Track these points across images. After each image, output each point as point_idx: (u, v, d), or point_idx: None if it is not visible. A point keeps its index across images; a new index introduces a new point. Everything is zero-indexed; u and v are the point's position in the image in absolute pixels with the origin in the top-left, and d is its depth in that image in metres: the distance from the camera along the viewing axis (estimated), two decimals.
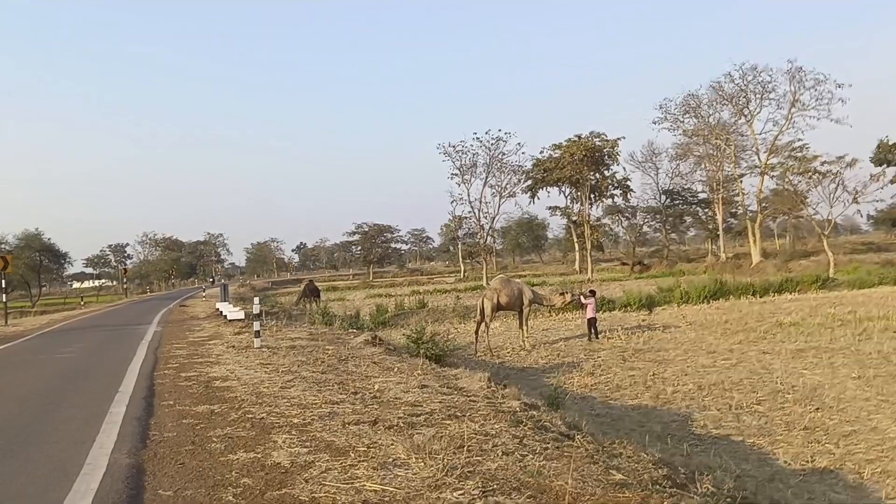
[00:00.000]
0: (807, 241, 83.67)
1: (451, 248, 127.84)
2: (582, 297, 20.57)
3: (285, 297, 53.26)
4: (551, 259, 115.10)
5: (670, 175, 65.66)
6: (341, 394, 7.32)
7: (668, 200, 65.95)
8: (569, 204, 67.52)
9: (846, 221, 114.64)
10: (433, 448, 4.94)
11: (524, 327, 19.10)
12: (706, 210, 66.25)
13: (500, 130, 66.97)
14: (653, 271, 61.13)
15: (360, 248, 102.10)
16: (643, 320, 24.37)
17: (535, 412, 6.54)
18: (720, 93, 52.18)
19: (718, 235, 60.93)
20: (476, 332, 18.78)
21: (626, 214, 71.04)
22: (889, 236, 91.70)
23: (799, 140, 46.80)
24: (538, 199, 64.66)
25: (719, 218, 59.27)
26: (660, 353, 16.91)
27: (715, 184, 58.16)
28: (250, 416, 6.29)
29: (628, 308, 27.46)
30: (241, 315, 17.90)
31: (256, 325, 11.74)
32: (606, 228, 70.39)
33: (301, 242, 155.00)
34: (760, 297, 28.97)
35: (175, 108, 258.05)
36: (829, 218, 36.79)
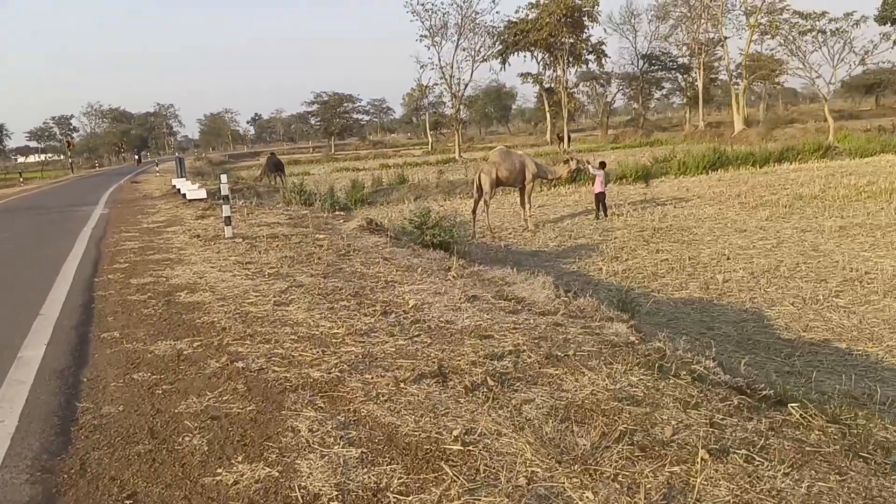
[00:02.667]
0: (776, 109, 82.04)
1: (414, 118, 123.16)
2: (591, 168, 18.37)
3: (245, 171, 49.88)
4: (518, 130, 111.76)
5: (649, 38, 62.21)
6: (366, 315, 5.11)
7: (647, 65, 62.72)
8: (541, 70, 63.91)
9: (806, 90, 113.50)
10: (577, 444, 2.83)
11: (527, 205, 16.95)
12: (685, 76, 63.37)
13: None
14: (627, 141, 59.06)
15: (319, 119, 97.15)
16: (645, 194, 22.48)
17: (658, 343, 4.45)
18: None
19: (698, 103, 58.46)
20: (474, 212, 16.57)
21: (601, 81, 67.86)
22: (855, 104, 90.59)
23: None
24: (509, 65, 60.81)
25: (700, 84, 56.62)
26: (683, 232, 15.03)
27: (697, 47, 55.07)
28: (241, 364, 4.06)
29: (624, 180, 25.44)
30: (203, 194, 15.33)
31: (226, 210, 9.32)
32: (582, 96, 67.24)
33: (256, 114, 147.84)
34: (761, 167, 27.21)
35: None
36: (832, 81, 34.64)
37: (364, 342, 4.41)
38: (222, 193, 9.38)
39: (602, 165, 18.54)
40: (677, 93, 70.43)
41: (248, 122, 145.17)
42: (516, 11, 56.89)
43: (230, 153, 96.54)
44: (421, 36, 53.03)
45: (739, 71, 51.21)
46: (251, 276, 6.79)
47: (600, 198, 17.77)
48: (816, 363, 7.13)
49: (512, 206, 20.68)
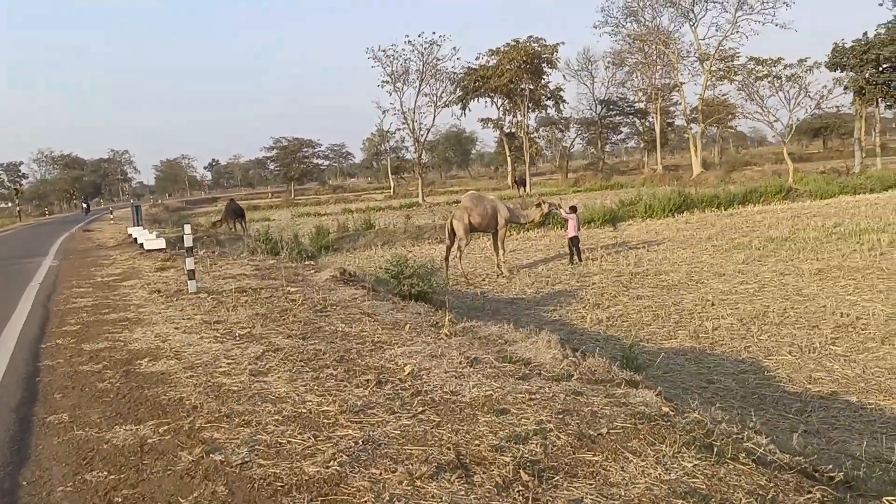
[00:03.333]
0: (729, 152, 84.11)
1: (374, 163, 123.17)
2: (562, 212, 18.06)
3: (203, 217, 48.83)
4: (478, 174, 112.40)
5: (606, 84, 63.43)
6: (358, 385, 4.49)
7: (604, 110, 63.80)
8: (501, 115, 64.52)
9: (754, 133, 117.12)
10: None
11: (500, 250, 16.50)
12: (643, 120, 64.59)
13: (433, 33, 62.56)
14: (588, 184, 59.62)
15: (278, 164, 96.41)
16: (615, 237, 22.29)
17: (695, 415, 3.92)
18: None
19: (655, 147, 59.47)
20: (446, 258, 16.06)
21: (560, 126, 68.83)
22: (803, 147, 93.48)
23: (739, 46, 45.09)
24: (470, 110, 61.31)
25: (657, 128, 57.68)
26: (661, 276, 14.71)
27: (654, 92, 56.24)
28: (219, 456, 3.40)
29: (592, 224, 25.24)
30: (162, 243, 14.50)
31: (190, 262, 8.61)
32: (541, 140, 67.91)
33: (213, 159, 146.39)
34: (725, 209, 27.40)
35: (67, 17, 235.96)
36: (790, 124, 35.33)
37: (361, 423, 3.79)
38: (186, 244, 8.67)
39: (574, 209, 18.27)
40: (635, 137, 71.71)
41: (205, 168, 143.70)
42: (477, 58, 57.58)
43: (187, 199, 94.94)
44: (383, 81, 53.18)
45: (695, 115, 52.40)
46: (221, 338, 6.10)
47: (574, 242, 17.44)
48: (831, 420, 6.69)
49: (483, 251, 20.25)
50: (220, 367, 5.07)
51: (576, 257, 17.29)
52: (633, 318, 11.38)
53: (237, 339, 6.01)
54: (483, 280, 16.00)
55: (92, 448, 3.60)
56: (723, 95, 51.53)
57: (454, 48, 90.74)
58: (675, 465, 3.14)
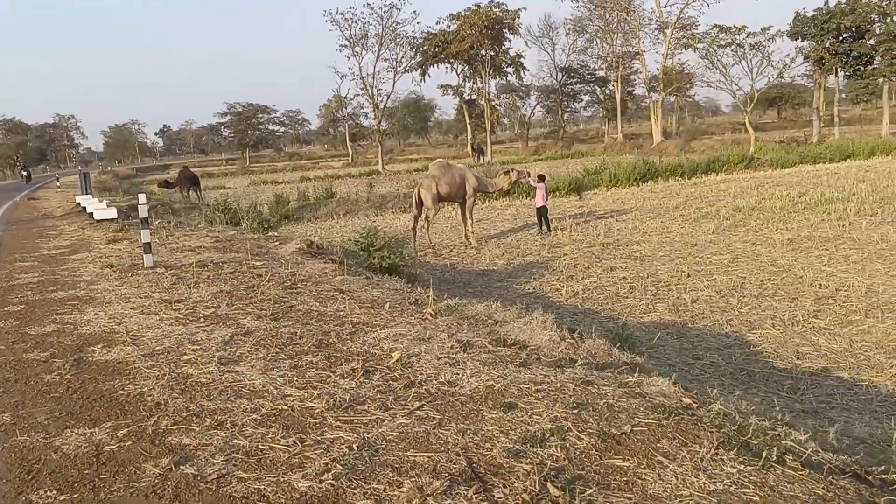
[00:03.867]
0: (685, 121, 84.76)
1: (331, 130, 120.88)
2: (531, 181, 17.67)
3: (156, 184, 47.28)
4: (437, 142, 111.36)
5: (567, 51, 62.94)
6: (343, 376, 4.03)
7: (566, 78, 63.37)
8: (461, 82, 63.57)
9: (708, 103, 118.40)
10: None
11: (469, 220, 16.08)
12: (603, 88, 64.38)
13: None
14: (549, 153, 59.42)
15: (233, 130, 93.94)
16: (581, 207, 22.07)
17: (718, 406, 3.57)
18: None
19: (616, 115, 59.44)
20: (413, 229, 15.58)
21: (520, 93, 68.20)
22: (756, 116, 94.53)
23: (700, 14, 45.10)
24: (429, 76, 60.12)
25: (618, 97, 57.57)
26: (632, 247, 14.51)
27: (614, 60, 56.01)
28: (191, 469, 2.91)
29: (557, 192, 24.96)
30: (113, 213, 13.66)
31: (146, 235, 7.95)
32: (502, 108, 67.26)
33: (165, 125, 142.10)
34: (689, 178, 27.39)
35: None
36: (752, 93, 35.39)
37: (353, 422, 3.34)
38: (140, 215, 8.00)
39: (542, 178, 17.90)
40: (595, 105, 71.57)
41: (156, 134, 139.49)
42: (437, 23, 56.40)
43: (137, 166, 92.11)
44: (341, 46, 51.85)
45: (654, 84, 52.36)
46: (183, 319, 5.55)
47: (542, 212, 17.12)
48: (826, 398, 6.48)
49: (449, 220, 19.81)
50: (185, 354, 4.55)
51: (544, 227, 16.99)
52: (609, 291, 11.11)
53: (202, 320, 5.47)
54: (451, 251, 15.58)
55: (39, 458, 3.08)
56: (682, 64, 51.66)
57: (414, 12, 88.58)
58: (718, 472, 2.77)
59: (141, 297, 6.45)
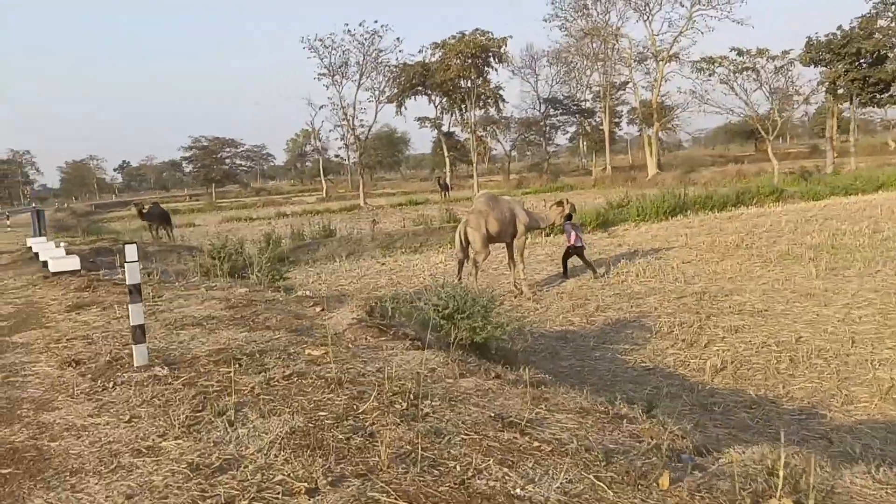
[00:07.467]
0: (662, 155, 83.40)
1: (298, 165, 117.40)
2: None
3: (117, 221, 43.47)
4: (409, 176, 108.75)
5: (550, 82, 60.98)
6: None
7: (551, 109, 61.28)
8: (439, 114, 61.03)
9: (670, 138, 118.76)
10: None
11: (520, 264, 13.14)
12: (589, 120, 62.43)
13: (375, 22, 58.44)
14: (534, 186, 57.05)
15: (197, 165, 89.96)
16: (619, 245, 19.33)
17: None
18: None
19: (604, 147, 57.39)
20: (458, 276, 12.56)
21: (501, 125, 66.03)
22: (726, 149, 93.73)
23: (693, 42, 43.54)
24: (406, 108, 57.25)
25: (606, 128, 55.60)
26: (732, 298, 11.72)
27: (603, 90, 54.14)
28: None
29: (582, 228, 22.16)
30: (75, 263, 10.33)
31: (136, 312, 4.78)
32: (489, 139, 64.91)
33: (124, 161, 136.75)
34: (719, 211, 24.91)
35: None
36: (777, 118, 33.28)
37: None
38: (129, 280, 4.80)
39: (568, 217, 14.84)
40: (577, 137, 69.68)
41: (115, 170, 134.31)
42: (420, 51, 53.91)
43: (96, 203, 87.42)
44: (319, 74, 48.98)
45: (635, 117, 50.48)
46: None
47: (576, 252, 14.39)
48: None
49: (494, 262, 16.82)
50: None
51: (592, 270, 14.22)
52: (759, 365, 8.23)
53: None
54: (500, 303, 12.57)
55: None
56: (664, 95, 49.93)
57: (397, 39, 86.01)
58: None
59: (142, 456, 3.30)
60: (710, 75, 34.08)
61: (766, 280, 12.87)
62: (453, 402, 4.01)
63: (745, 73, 32.83)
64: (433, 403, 3.95)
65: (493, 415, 3.81)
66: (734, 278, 13.27)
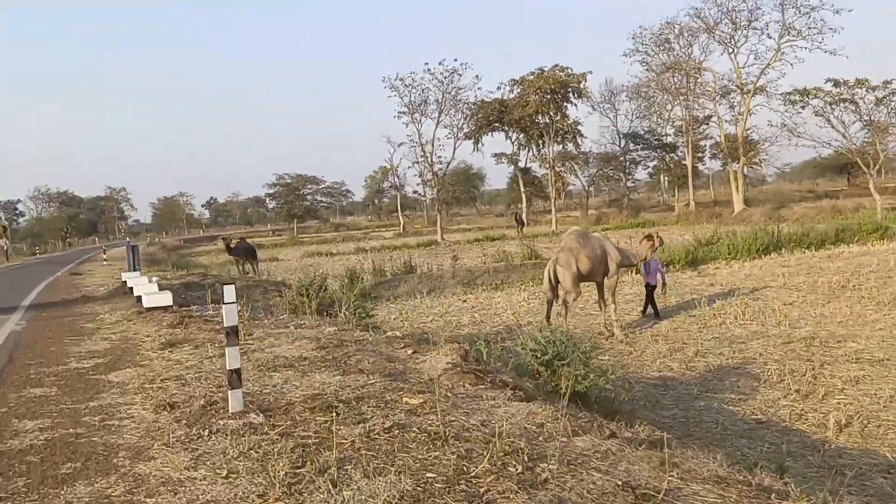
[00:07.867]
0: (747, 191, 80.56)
1: (376, 200, 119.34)
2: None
3: (204, 255, 44.86)
4: (483, 212, 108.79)
5: (630, 117, 60.02)
6: None
7: (631, 144, 60.28)
8: (515, 150, 60.87)
9: (754, 173, 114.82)
10: None
11: (611, 304, 12.60)
12: (671, 155, 61.04)
13: (455, 61, 59.16)
14: (614, 222, 55.92)
15: (280, 201, 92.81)
16: (710, 284, 18.45)
17: None
18: (701, 18, 46.30)
19: (687, 182, 55.86)
20: (547, 316, 12.12)
21: (579, 161, 65.30)
22: (815, 184, 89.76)
23: (782, 74, 42.05)
24: (483, 145, 57.36)
25: (689, 162, 54.16)
26: (846, 345, 10.85)
27: (686, 125, 52.88)
28: None
29: (671, 266, 21.34)
30: (168, 299, 10.50)
31: (233, 356, 4.63)
32: (568, 175, 64.27)
33: (211, 197, 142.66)
34: (817, 249, 23.55)
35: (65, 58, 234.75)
36: (878, 151, 31.51)
37: None
38: (226, 322, 4.66)
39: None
40: (660, 172, 68.20)
41: (202, 206, 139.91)
42: (498, 88, 54.07)
43: (185, 237, 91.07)
44: (399, 112, 49.82)
45: (719, 152, 48.82)
46: None
47: (650, 290, 13.80)
48: None
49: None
50: None
51: (650, 309, 13.59)
52: (891, 422, 7.46)
53: None
54: (602, 349, 12.03)
55: None
56: (772, 125, 48.14)
57: (476, 76, 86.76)
58: None
59: None
60: (802, 107, 32.67)
61: (882, 325, 11.90)
62: (572, 466, 3.63)
63: (842, 104, 31.36)
64: (550, 467, 3.58)
65: (619, 483, 3.40)
66: (845, 322, 12.34)
